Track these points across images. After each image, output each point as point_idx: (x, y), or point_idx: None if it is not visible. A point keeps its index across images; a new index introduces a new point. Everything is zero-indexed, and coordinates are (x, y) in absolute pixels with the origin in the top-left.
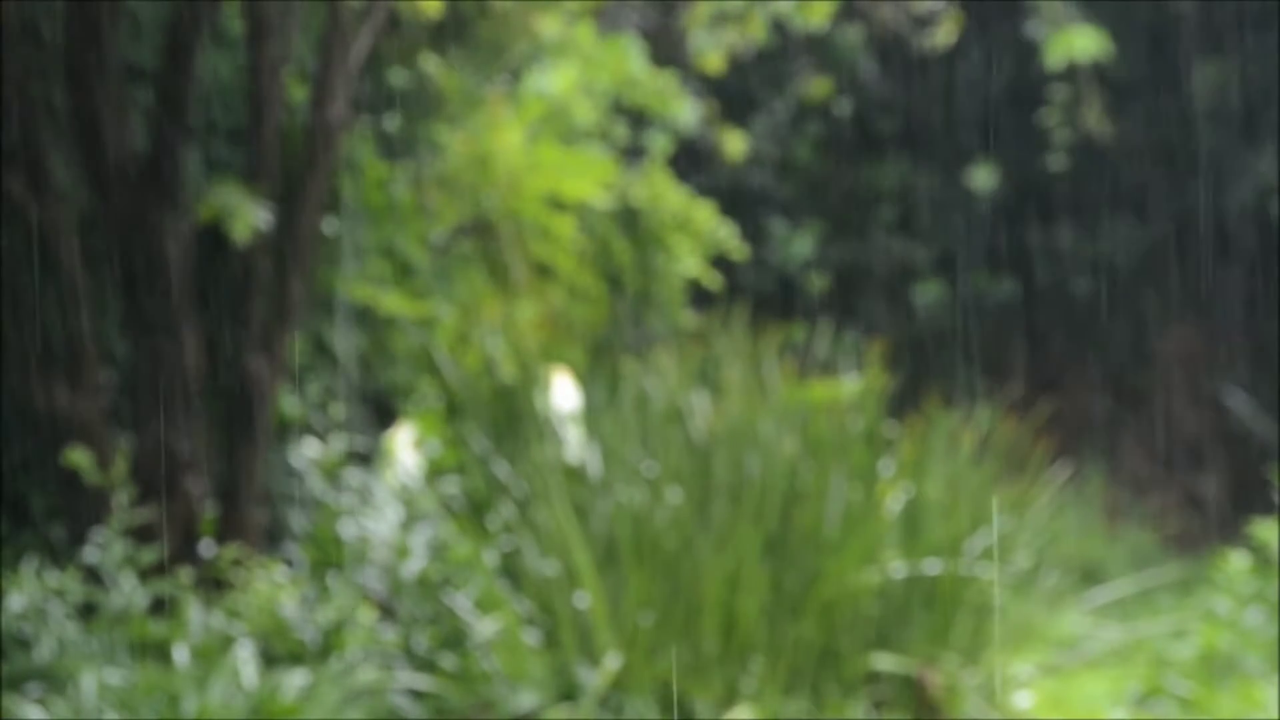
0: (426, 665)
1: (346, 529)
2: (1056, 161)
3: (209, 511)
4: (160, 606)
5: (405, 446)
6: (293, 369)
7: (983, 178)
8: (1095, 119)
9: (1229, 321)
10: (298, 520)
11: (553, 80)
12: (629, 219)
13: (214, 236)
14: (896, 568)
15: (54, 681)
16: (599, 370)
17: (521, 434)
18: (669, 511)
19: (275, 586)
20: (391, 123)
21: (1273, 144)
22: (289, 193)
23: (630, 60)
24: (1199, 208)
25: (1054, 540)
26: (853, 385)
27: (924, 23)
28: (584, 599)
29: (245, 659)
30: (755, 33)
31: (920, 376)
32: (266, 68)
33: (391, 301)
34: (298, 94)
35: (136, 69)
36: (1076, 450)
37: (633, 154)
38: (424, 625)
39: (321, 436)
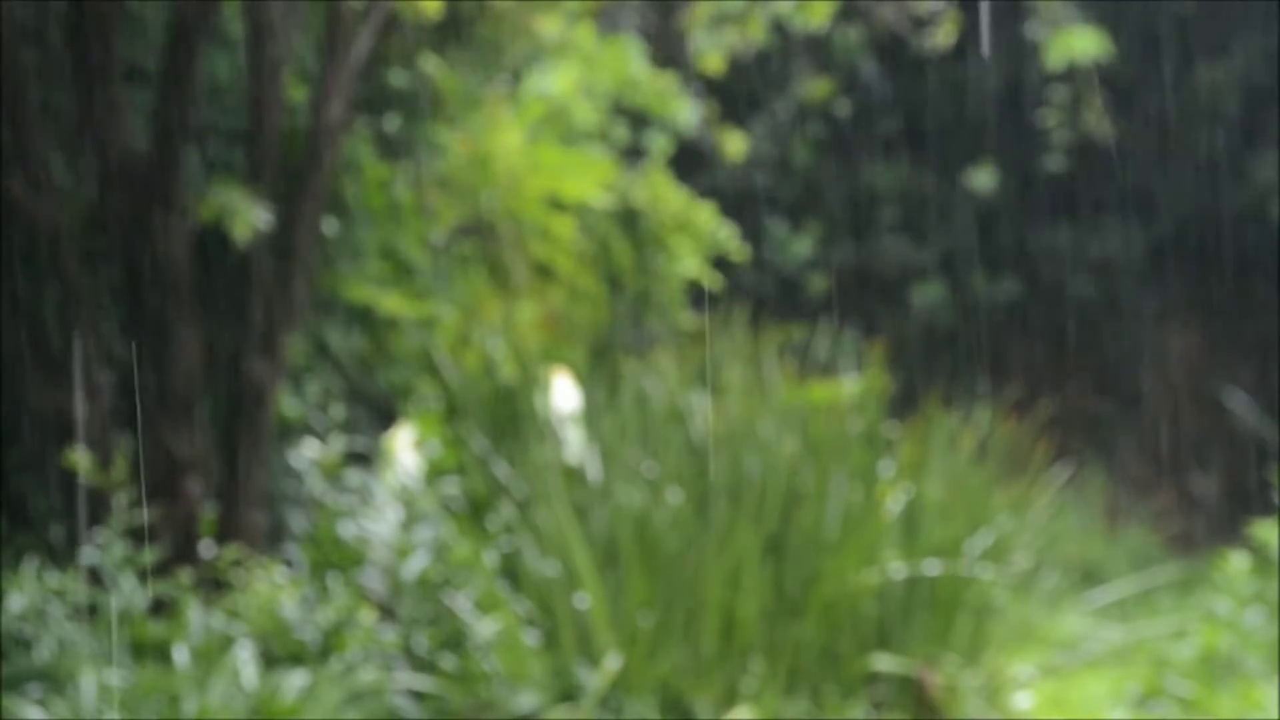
0: (426, 666)
1: (346, 530)
2: (1056, 161)
3: (209, 512)
4: (160, 607)
5: (405, 447)
6: (293, 369)
7: (983, 178)
8: (1095, 119)
9: (1229, 322)
10: (298, 521)
11: (553, 81)
12: (629, 219)
13: (214, 236)
14: (896, 568)
15: (54, 682)
16: (599, 370)
17: (521, 434)
18: (669, 512)
19: (275, 587)
20: (391, 123)
21: (1273, 144)
22: (289, 193)
23: (630, 61)
24: (1199, 208)
25: (1054, 541)
26: (853, 386)
27: (924, 23)
28: (584, 599)
29: (245, 659)
30: (755, 33)
31: (920, 377)
32: (266, 68)
33: (391, 302)
34: (298, 94)
35: (137, 69)
36: (1076, 450)
37: (633, 154)
38: (424, 626)
39: (321, 437)
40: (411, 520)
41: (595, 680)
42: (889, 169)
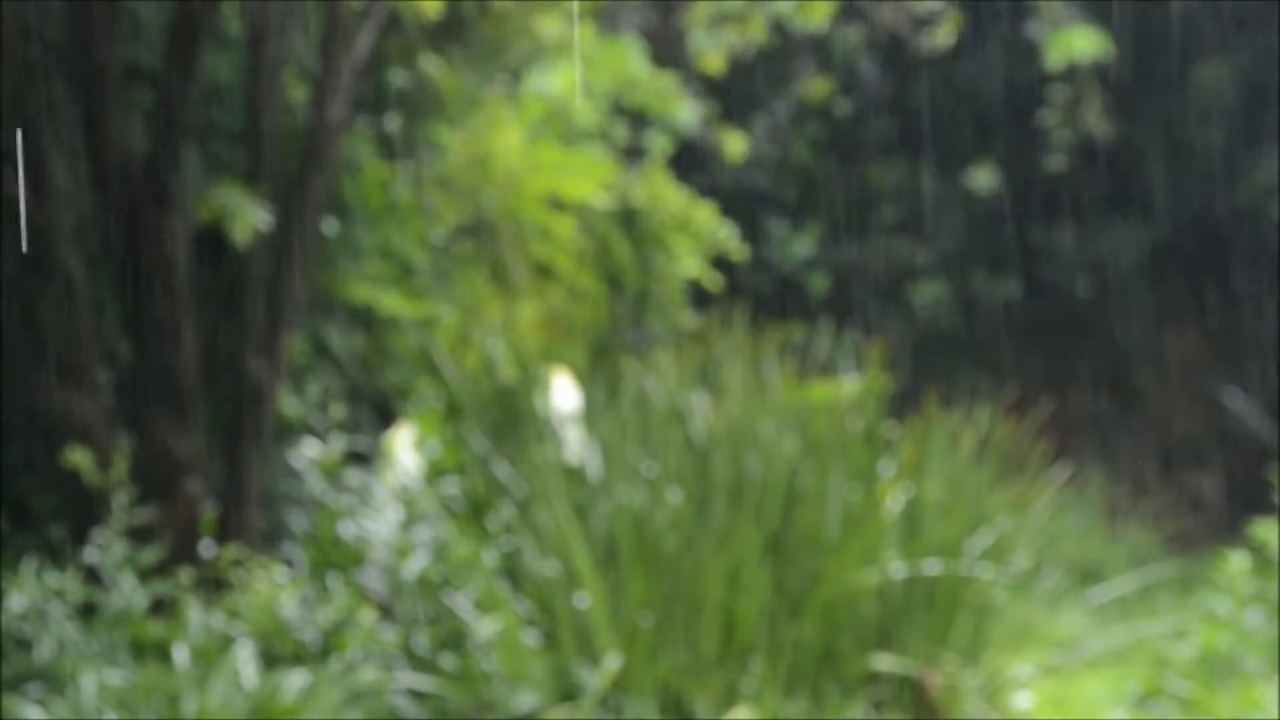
0: (426, 665)
1: (346, 529)
2: (1056, 161)
3: (209, 512)
4: (160, 607)
5: (405, 447)
6: (293, 369)
7: (983, 178)
8: (1095, 119)
9: (1229, 322)
10: (298, 521)
11: (553, 80)
12: (629, 219)
13: (214, 237)
14: (896, 568)
15: (54, 681)
16: (599, 370)
17: (521, 434)
18: (669, 512)
19: (275, 587)
20: (391, 123)
21: (1273, 144)
22: (289, 193)
23: (630, 61)
24: (1199, 208)
25: (1054, 540)
26: (853, 385)
27: (924, 23)
28: (584, 599)
29: (245, 659)
30: (755, 33)
31: (920, 376)
32: (266, 68)
33: (391, 301)
34: (298, 94)
35: (136, 69)
36: (1076, 450)
37: (633, 154)
38: (424, 626)
39: (321, 437)
40: (411, 520)
41: (595, 680)
42: (889, 169)
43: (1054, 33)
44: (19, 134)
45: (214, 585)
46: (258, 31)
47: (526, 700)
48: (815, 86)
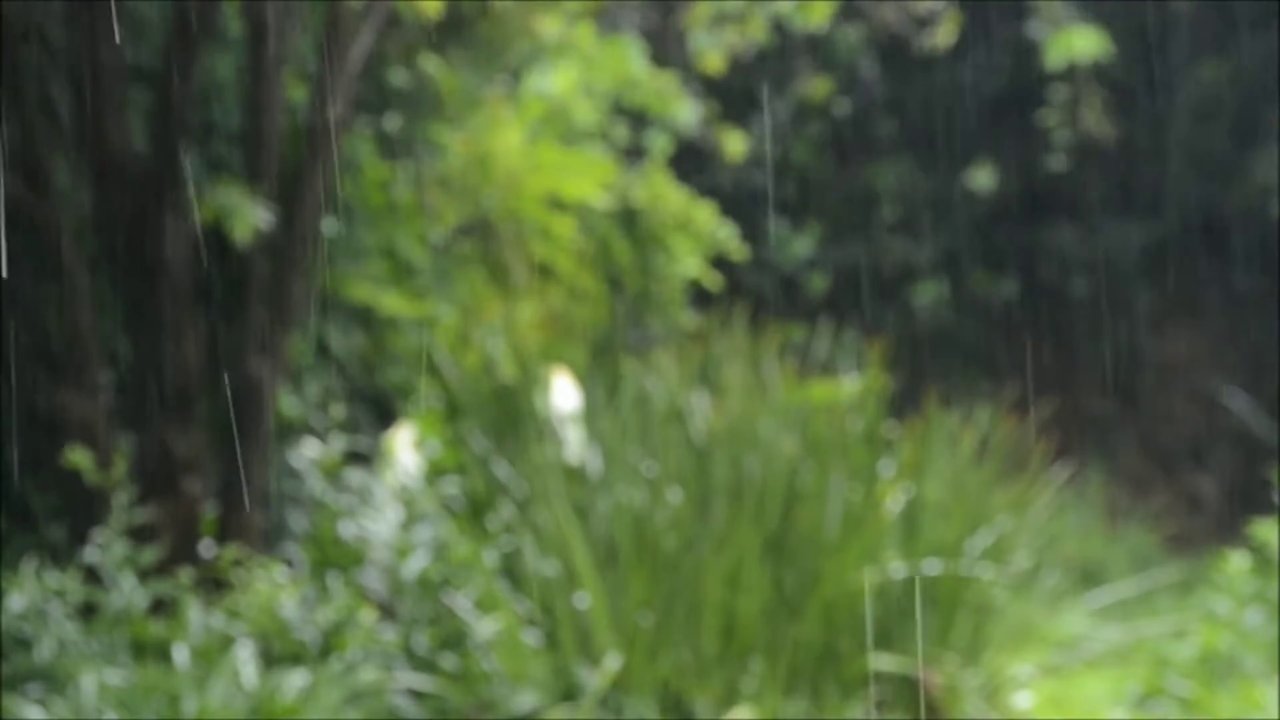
0: (426, 665)
1: (346, 529)
2: (1056, 161)
3: (209, 512)
4: (160, 606)
5: (405, 447)
6: (293, 369)
7: (983, 178)
8: (1095, 119)
9: (1229, 321)
10: (298, 521)
11: (553, 80)
12: (629, 219)
13: (214, 236)
14: (896, 568)
15: (54, 681)
16: (599, 370)
17: (521, 434)
18: (669, 511)
19: (275, 587)
20: (391, 123)
21: (1273, 144)
22: (289, 193)
23: (630, 61)
24: (1198, 208)
25: (1054, 540)
26: (853, 385)
27: (924, 23)
28: (584, 599)
29: (245, 659)
30: (755, 33)
31: (920, 376)
32: (266, 68)
33: (391, 301)
34: (298, 94)
35: (136, 69)
36: (1076, 450)
37: (633, 154)
38: (424, 625)
39: (321, 437)
40: (411, 520)
41: (595, 680)
42: (889, 169)
43: (1054, 33)
44: (19, 134)
45: (214, 585)
46: (258, 31)
47: (526, 700)
48: (815, 86)
